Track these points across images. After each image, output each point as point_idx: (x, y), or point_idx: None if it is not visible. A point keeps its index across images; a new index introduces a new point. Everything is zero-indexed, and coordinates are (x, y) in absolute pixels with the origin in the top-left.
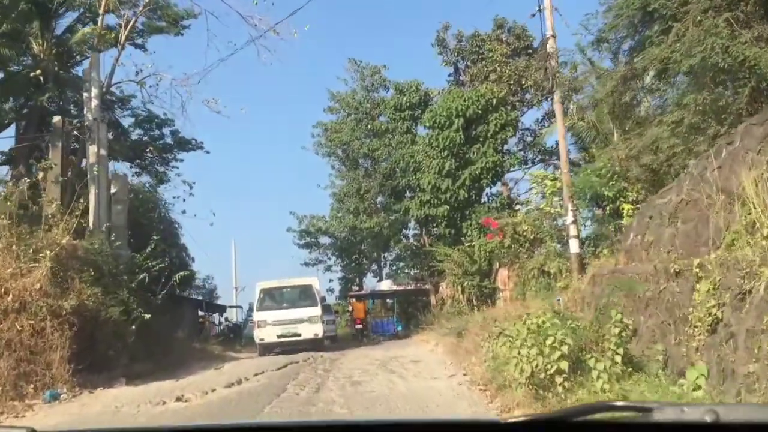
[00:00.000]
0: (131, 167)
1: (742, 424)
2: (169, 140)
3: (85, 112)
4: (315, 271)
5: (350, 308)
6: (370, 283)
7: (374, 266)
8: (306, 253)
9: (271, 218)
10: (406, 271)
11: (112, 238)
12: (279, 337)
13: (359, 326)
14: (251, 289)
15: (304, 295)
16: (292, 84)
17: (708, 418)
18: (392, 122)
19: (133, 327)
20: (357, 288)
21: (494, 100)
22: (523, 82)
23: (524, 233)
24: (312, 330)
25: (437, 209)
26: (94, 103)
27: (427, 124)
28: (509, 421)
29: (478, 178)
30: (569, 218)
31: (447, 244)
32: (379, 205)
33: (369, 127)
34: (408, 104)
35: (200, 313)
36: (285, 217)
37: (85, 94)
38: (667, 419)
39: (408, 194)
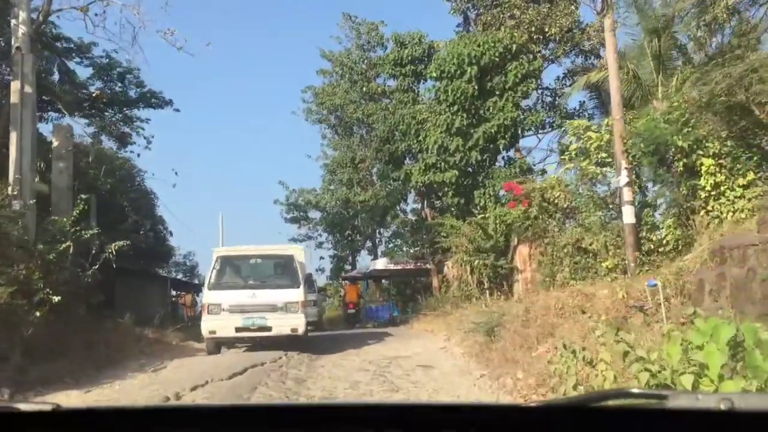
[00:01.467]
0: (89, 125)
1: (756, 412)
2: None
3: (13, 44)
4: (304, 247)
5: (342, 291)
6: (364, 261)
7: (369, 243)
8: (294, 228)
9: (261, 191)
10: (405, 248)
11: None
12: (238, 330)
13: (352, 311)
14: None
15: (280, 271)
16: (282, 44)
17: (723, 406)
18: (391, 80)
19: (37, 314)
20: (350, 267)
21: (514, 47)
22: (546, 29)
23: (555, 201)
24: (288, 322)
25: (444, 174)
26: (22, 30)
27: (434, 74)
28: (529, 405)
29: (494, 138)
30: (622, 179)
31: (454, 216)
32: (374, 176)
33: (364, 89)
34: (410, 58)
35: (173, 293)
36: (275, 189)
37: (12, 21)
38: (682, 406)
39: (408, 160)
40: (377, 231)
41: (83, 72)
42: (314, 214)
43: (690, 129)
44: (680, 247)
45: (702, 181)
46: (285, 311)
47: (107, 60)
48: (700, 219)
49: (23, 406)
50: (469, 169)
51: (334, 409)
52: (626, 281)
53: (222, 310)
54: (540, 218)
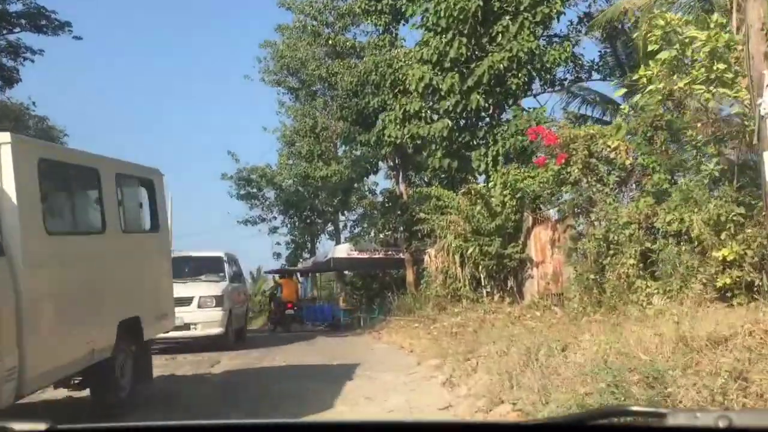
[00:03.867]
0: None
1: (755, 429)
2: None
3: None
4: (256, 232)
5: (268, 288)
6: (325, 248)
7: (330, 227)
8: (246, 208)
9: (209, 165)
10: (373, 233)
11: None
12: None
13: (290, 311)
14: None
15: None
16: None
17: (721, 424)
18: (362, 33)
19: None
20: (308, 255)
21: None
22: None
23: (612, 155)
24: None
25: (431, 127)
26: None
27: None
28: (527, 423)
29: (502, 77)
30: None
31: (443, 187)
32: (338, 145)
33: (330, 42)
34: None
35: None
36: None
37: None
38: (680, 424)
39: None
40: (340, 212)
41: None
42: (269, 194)
43: None
44: None
45: None
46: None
47: None
48: None
49: (17, 426)
50: (467, 121)
51: (323, 428)
52: None
53: None
54: (586, 182)
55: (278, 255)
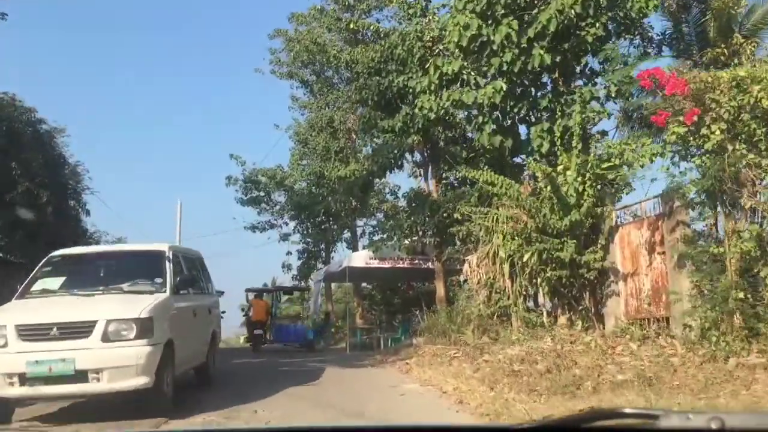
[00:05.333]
0: None
1: (747, 430)
2: None
3: None
4: (264, 240)
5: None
6: (341, 256)
7: (347, 233)
8: (253, 213)
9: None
10: (397, 237)
11: None
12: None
13: (258, 332)
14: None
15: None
16: None
17: (713, 425)
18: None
19: None
20: (323, 265)
21: None
22: None
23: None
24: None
25: (479, 93)
26: None
27: None
28: (520, 426)
29: (574, 26)
30: None
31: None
32: (357, 142)
33: (351, 26)
34: None
35: None
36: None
37: None
38: (673, 426)
39: (409, 101)
40: (357, 216)
41: None
42: (280, 198)
43: None
44: None
45: None
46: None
47: None
48: None
49: None
50: (528, 80)
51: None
52: None
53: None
54: (735, 149)
55: (288, 267)
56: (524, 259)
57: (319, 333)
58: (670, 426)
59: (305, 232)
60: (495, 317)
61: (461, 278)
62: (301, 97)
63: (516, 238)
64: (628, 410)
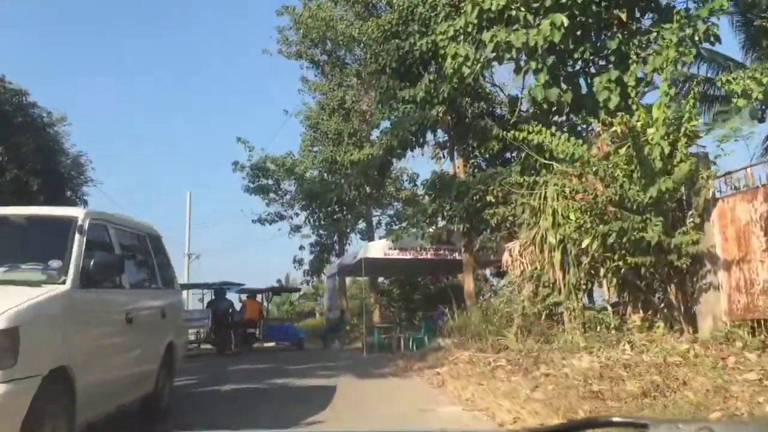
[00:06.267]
0: None
1: None
2: None
3: None
4: (275, 231)
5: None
6: (356, 248)
7: (362, 224)
8: (262, 204)
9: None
10: (419, 224)
11: None
12: None
13: (251, 330)
14: (210, 256)
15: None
16: None
17: None
18: None
19: None
20: (336, 258)
21: None
22: None
23: None
24: None
25: (531, 33)
26: None
27: None
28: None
29: None
30: None
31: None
32: (374, 118)
33: None
34: None
35: None
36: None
37: None
38: None
39: (432, 68)
40: (373, 205)
41: None
42: (289, 188)
43: None
44: None
45: None
46: None
47: None
48: None
49: None
50: (580, 30)
51: None
52: None
53: None
54: None
55: (300, 262)
56: (583, 245)
57: (333, 332)
58: None
59: (317, 223)
60: (542, 317)
61: (501, 268)
62: (311, 79)
63: (574, 217)
64: (616, 419)
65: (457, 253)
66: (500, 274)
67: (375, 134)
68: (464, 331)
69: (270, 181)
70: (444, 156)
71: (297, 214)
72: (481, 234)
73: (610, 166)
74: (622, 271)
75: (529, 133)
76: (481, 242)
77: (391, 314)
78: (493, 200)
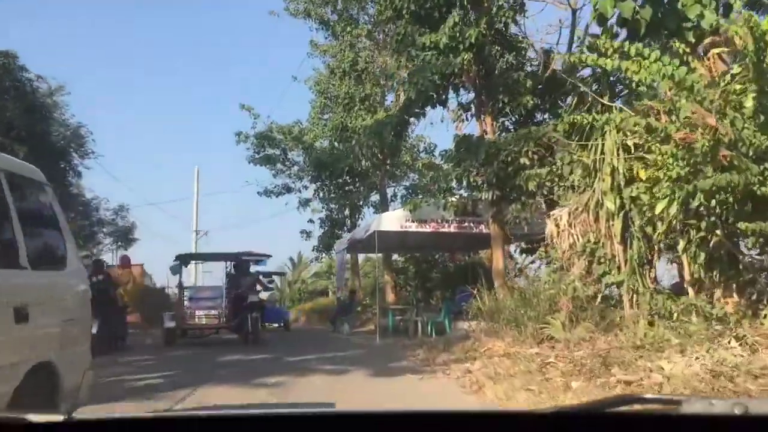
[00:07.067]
0: None
1: None
2: None
3: None
4: (284, 207)
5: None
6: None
7: (375, 195)
8: (268, 174)
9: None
10: (443, 192)
11: None
12: None
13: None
14: (218, 234)
15: None
16: None
17: (737, 411)
18: None
19: None
20: (349, 233)
21: None
22: None
23: None
24: None
25: None
26: None
27: None
28: (541, 412)
29: None
30: None
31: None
32: (384, 89)
33: None
34: None
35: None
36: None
37: None
38: (695, 411)
39: (456, 13)
40: (386, 169)
41: None
42: (298, 158)
43: None
44: None
45: None
46: None
47: None
48: None
49: (33, 417)
50: None
51: (331, 417)
52: None
53: None
54: None
55: (308, 234)
56: (657, 211)
57: (343, 313)
58: (692, 411)
59: (327, 196)
60: (594, 300)
61: (543, 240)
62: (321, 42)
63: (644, 175)
64: (649, 396)
65: (483, 226)
66: (530, 250)
67: (389, 99)
68: (496, 317)
69: (277, 151)
70: (467, 119)
71: (306, 187)
72: (513, 203)
73: (723, 94)
74: (712, 243)
75: (602, 55)
76: (513, 212)
77: (407, 294)
78: (528, 163)
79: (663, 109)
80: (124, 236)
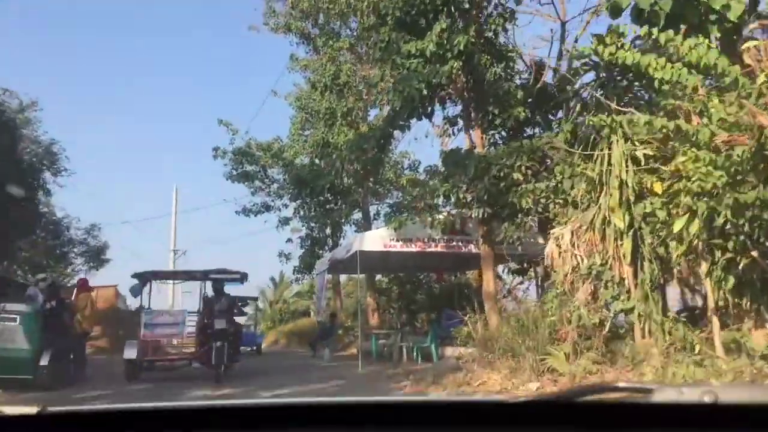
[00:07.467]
0: None
1: (740, 404)
2: None
3: None
4: (263, 225)
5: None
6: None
7: (357, 214)
8: (246, 192)
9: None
10: (430, 210)
11: None
12: None
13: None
14: (198, 253)
15: None
16: None
17: (707, 399)
18: None
19: None
20: (329, 252)
21: None
22: None
23: None
24: None
25: None
26: None
27: None
28: (516, 401)
29: None
30: None
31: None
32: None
33: None
34: None
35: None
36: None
37: None
38: (666, 400)
39: (443, 20)
40: (368, 185)
41: None
42: (278, 175)
43: None
44: None
45: None
46: None
47: None
48: None
49: (7, 410)
50: None
51: (316, 408)
52: None
53: None
54: None
55: (287, 257)
56: (675, 229)
57: (324, 337)
58: (663, 400)
59: (307, 214)
60: (599, 328)
61: (543, 262)
62: (302, 57)
63: (660, 189)
64: (621, 384)
65: (473, 245)
66: (520, 270)
67: (372, 114)
68: (490, 345)
69: (256, 168)
70: (454, 133)
71: (285, 206)
72: (506, 221)
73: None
74: (741, 265)
75: (619, 48)
76: (505, 231)
77: (390, 316)
78: (521, 178)
79: (694, 109)
80: (96, 256)
